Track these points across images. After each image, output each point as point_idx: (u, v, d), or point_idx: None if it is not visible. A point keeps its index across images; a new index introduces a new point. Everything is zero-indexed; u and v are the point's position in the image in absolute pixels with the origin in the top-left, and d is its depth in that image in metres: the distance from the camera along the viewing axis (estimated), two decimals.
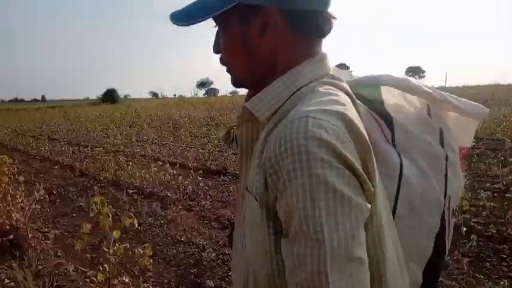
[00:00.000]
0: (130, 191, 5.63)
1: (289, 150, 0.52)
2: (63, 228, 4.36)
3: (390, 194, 0.70)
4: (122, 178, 6.23)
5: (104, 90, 73.26)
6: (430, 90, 0.79)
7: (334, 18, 0.68)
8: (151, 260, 2.78)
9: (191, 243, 3.77)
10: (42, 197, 4.57)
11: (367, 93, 0.79)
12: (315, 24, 0.66)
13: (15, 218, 4.07)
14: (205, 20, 0.66)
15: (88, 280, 2.99)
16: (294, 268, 0.53)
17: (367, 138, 0.58)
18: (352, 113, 0.58)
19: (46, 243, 3.78)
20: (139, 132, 12.69)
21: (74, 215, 4.84)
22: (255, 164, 0.62)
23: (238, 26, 0.66)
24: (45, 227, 4.33)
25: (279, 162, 0.53)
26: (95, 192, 5.71)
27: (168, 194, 5.37)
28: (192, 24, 0.67)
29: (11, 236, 3.93)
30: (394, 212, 0.70)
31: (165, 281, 3.08)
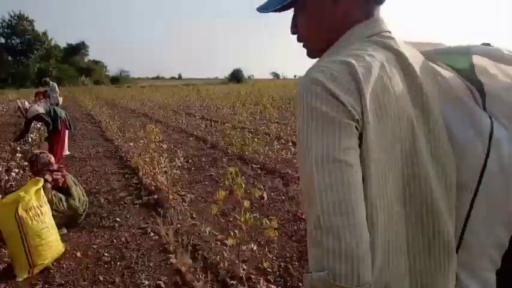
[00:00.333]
0: (254, 166, 5.91)
1: (298, 88, 0.70)
2: (197, 193, 4.80)
3: (480, 152, 0.75)
4: (246, 153, 6.59)
5: (231, 70, 77.83)
6: None
7: None
8: (276, 232, 2.89)
9: None
10: (180, 164, 5.11)
11: (453, 61, 0.85)
12: None
13: (159, 181, 4.67)
14: (286, 3, 0.79)
15: (219, 243, 3.27)
16: (300, 172, 0.69)
17: (365, 83, 0.67)
18: (364, 62, 0.69)
19: (183, 205, 4.22)
20: (262, 111, 13.19)
21: (206, 182, 5.29)
22: None
23: (316, 0, 0.79)
24: (182, 191, 4.85)
25: (297, 94, 0.70)
26: (224, 163, 6.16)
27: (289, 171, 5.48)
28: (272, 10, 0.82)
29: (156, 196, 4.52)
30: (483, 170, 0.75)
31: (287, 254, 3.17)
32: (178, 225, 3.60)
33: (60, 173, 3.82)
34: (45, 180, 3.48)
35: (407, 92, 0.74)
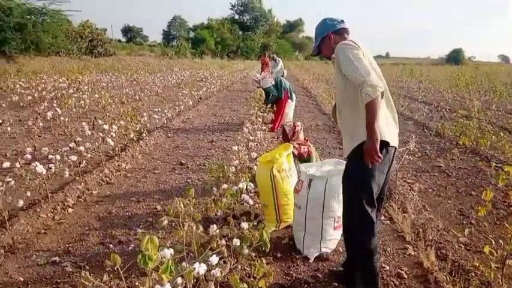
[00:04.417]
0: (494, 164, 5.05)
1: (338, 46, 2.25)
2: (426, 184, 4.44)
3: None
4: (482, 147, 5.72)
5: (448, 51, 69.40)
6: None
7: (347, 28, 2.45)
8: None
9: None
10: (411, 149, 4.77)
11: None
12: (341, 30, 2.41)
13: None
14: (316, 48, 2.52)
15: (462, 246, 2.92)
16: (347, 68, 2.15)
17: (359, 45, 2.23)
18: (356, 42, 2.25)
19: (412, 195, 3.95)
20: (496, 100, 11.21)
21: (435, 174, 4.84)
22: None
23: (325, 41, 2.44)
24: (408, 179, 4.58)
25: (336, 53, 2.25)
26: (455, 156, 5.51)
27: None
28: (314, 55, 2.64)
29: None
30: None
31: None
32: (412, 216, 3.39)
33: (306, 146, 4.12)
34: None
35: (366, 52, 2.24)
